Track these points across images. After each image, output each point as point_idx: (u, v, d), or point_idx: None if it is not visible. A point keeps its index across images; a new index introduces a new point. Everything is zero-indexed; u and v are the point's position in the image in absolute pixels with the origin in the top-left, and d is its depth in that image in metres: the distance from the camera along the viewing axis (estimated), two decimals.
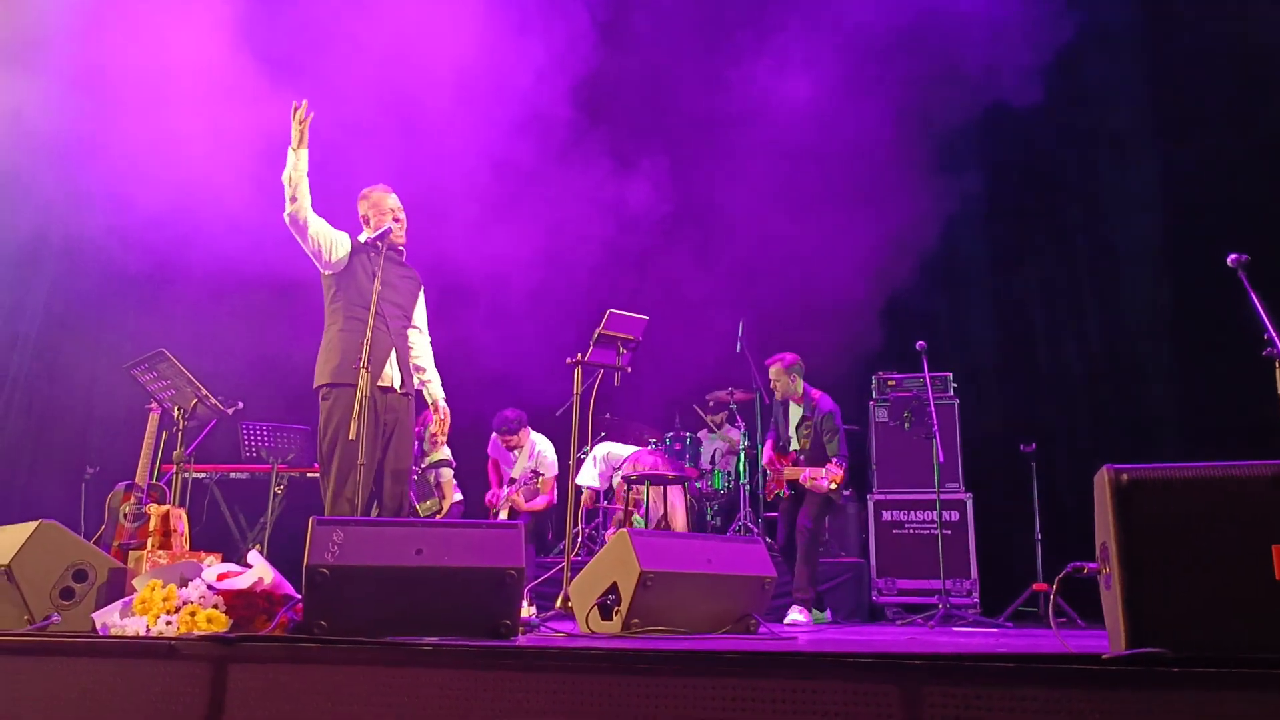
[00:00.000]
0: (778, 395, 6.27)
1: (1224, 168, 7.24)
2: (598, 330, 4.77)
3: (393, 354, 4.44)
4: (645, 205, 8.13)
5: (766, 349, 7.79)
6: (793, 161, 8.07)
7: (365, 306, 4.31)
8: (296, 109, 4.28)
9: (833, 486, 5.80)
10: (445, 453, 7.39)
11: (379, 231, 4.47)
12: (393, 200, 4.64)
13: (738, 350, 7.62)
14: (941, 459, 5.87)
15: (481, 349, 7.78)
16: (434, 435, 5.39)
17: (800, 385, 6.22)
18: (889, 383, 7.38)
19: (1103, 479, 2.54)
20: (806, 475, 5.93)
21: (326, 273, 4.49)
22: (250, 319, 7.53)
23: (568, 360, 4.78)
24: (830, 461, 5.90)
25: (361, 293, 4.40)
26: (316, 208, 4.44)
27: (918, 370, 6.43)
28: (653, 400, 7.04)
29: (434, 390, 4.73)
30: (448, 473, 7.26)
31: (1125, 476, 2.48)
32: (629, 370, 4.95)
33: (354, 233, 4.60)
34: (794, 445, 6.23)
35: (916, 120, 7.87)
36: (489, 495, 7.41)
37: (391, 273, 4.46)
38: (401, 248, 4.61)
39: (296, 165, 4.29)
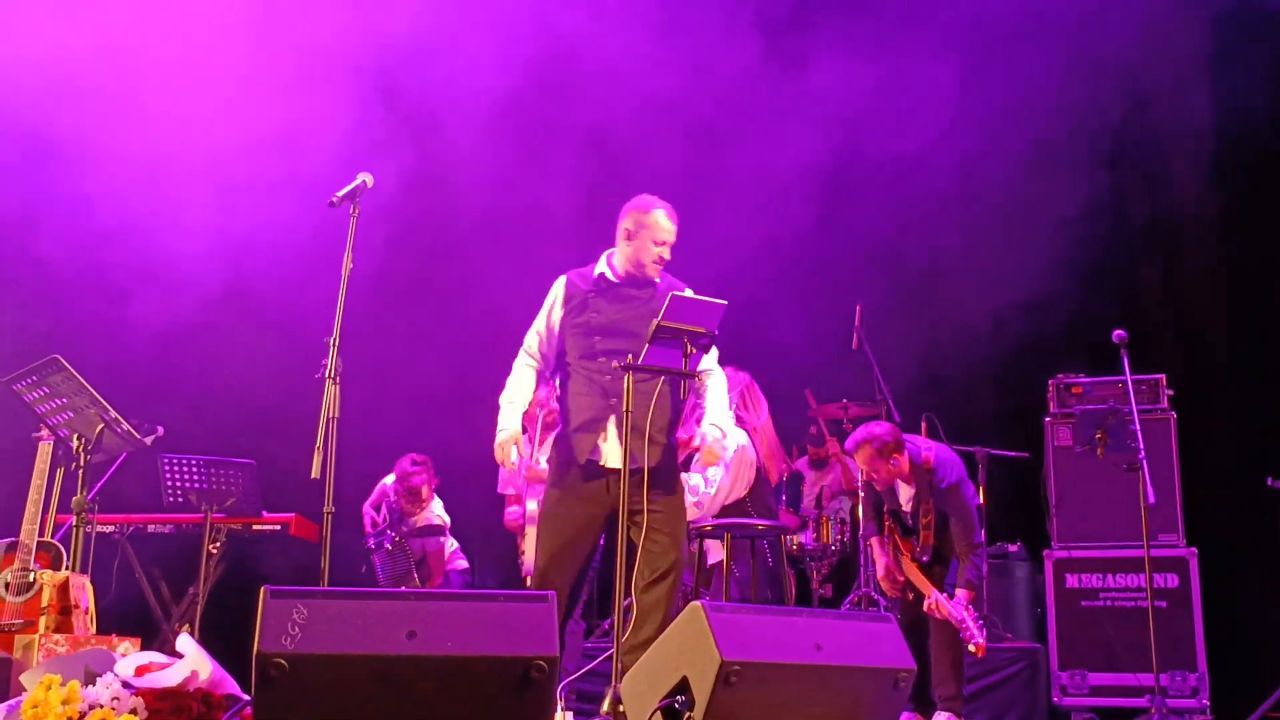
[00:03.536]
0: (878, 485, 6.20)
1: None
2: (655, 321, 4.80)
3: None
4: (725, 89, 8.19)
5: (895, 339, 7.84)
6: (935, 85, 8.08)
7: None
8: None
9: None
10: (436, 512, 7.51)
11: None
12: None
13: (854, 346, 7.61)
14: (1152, 499, 5.79)
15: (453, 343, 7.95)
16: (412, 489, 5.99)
17: (904, 461, 6.05)
18: (1073, 390, 7.31)
19: None
20: (932, 603, 5.90)
21: None
22: (177, 319, 7.74)
23: (615, 364, 4.82)
24: (960, 588, 5.85)
25: None
26: None
27: (1116, 372, 6.34)
28: None
29: None
30: (441, 544, 7.42)
31: None
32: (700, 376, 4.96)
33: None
34: (914, 526, 6.17)
35: (1110, 30, 7.85)
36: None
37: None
38: None
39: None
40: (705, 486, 6.29)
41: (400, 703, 3.30)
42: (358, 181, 4.96)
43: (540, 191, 8.18)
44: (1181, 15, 7.93)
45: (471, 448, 7.62)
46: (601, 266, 5.27)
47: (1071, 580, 7.00)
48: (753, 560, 6.21)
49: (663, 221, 5.18)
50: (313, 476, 4.45)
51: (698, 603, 3.92)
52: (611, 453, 5.04)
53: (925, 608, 5.93)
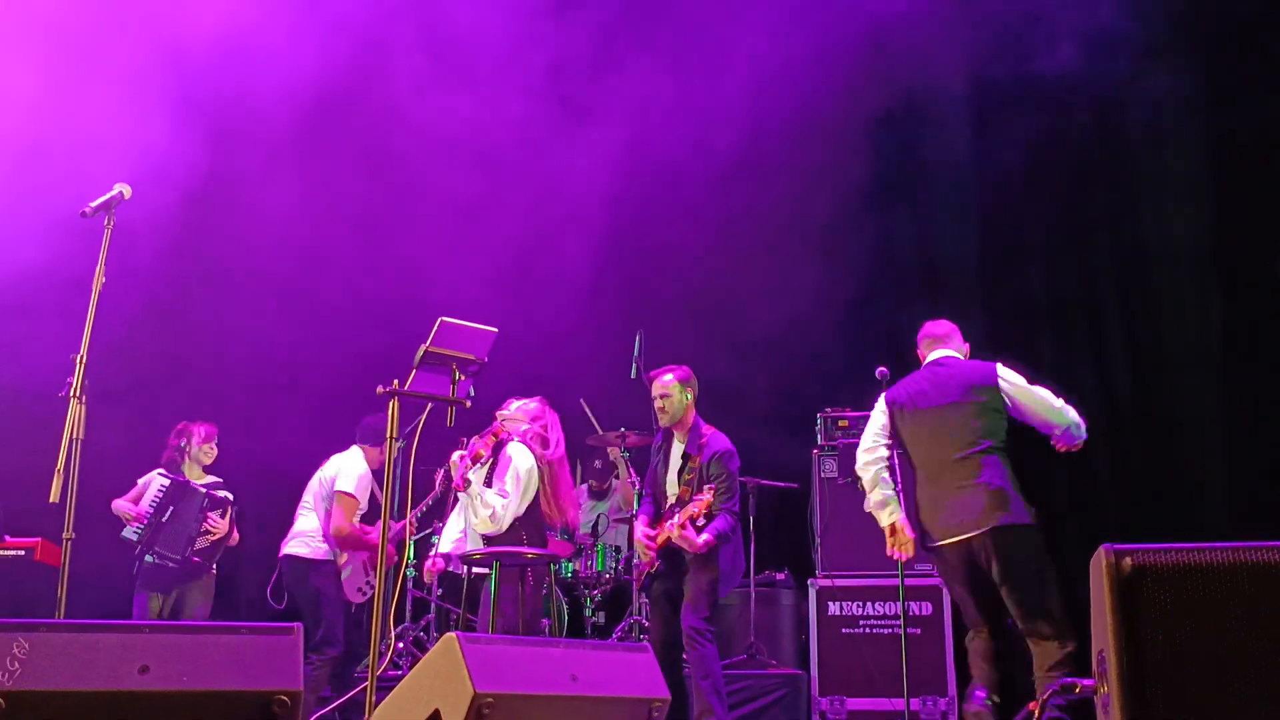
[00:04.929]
0: (665, 419, 6.39)
1: None
2: (424, 346, 4.75)
3: None
4: (503, 142, 8.17)
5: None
6: (725, 111, 8.25)
7: None
8: None
9: (700, 522, 5.91)
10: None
11: None
12: None
13: (633, 375, 7.66)
14: (910, 531, 5.98)
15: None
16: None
17: (691, 411, 6.39)
18: (840, 424, 7.50)
19: (1099, 564, 2.63)
20: (673, 523, 6.01)
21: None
22: None
23: (380, 389, 4.74)
24: (706, 534, 5.99)
25: None
26: None
27: None
28: None
29: None
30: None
31: (1129, 561, 2.59)
32: (469, 404, 4.93)
33: None
34: (671, 492, 6.31)
35: (888, 83, 8.15)
36: None
37: None
38: None
39: None
40: (502, 502, 6.13)
41: None
42: (114, 192, 4.75)
43: (322, 217, 7.99)
44: (948, 71, 8.33)
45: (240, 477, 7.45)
46: None
47: (833, 608, 7.15)
48: (521, 588, 6.15)
49: None
50: (51, 500, 4.24)
51: (452, 634, 3.87)
52: None
53: (666, 527, 6.04)
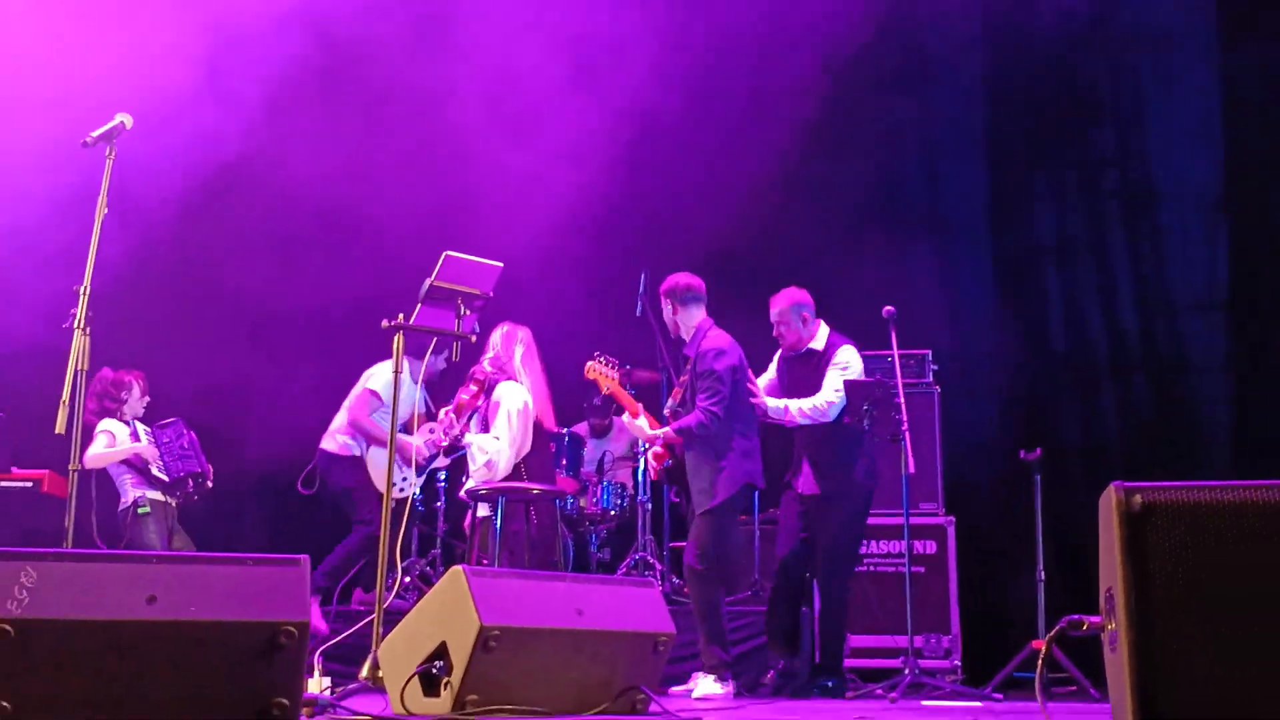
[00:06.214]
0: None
1: None
2: (428, 281, 4.73)
3: None
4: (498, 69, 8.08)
5: None
6: (721, 55, 8.16)
7: None
8: None
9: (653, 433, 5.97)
10: None
11: None
12: None
13: (638, 313, 7.63)
14: (912, 469, 5.98)
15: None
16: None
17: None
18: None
19: (1109, 501, 2.62)
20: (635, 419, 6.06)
21: None
22: None
23: (385, 322, 4.72)
24: (671, 426, 5.94)
25: None
26: None
27: (884, 347, 6.49)
28: None
29: None
30: None
31: (1139, 498, 2.57)
32: (474, 339, 4.93)
33: None
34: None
35: (895, 14, 8.07)
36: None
37: None
38: None
39: None
40: (496, 446, 6.14)
41: (140, 671, 3.16)
42: (115, 122, 4.71)
43: (332, 160, 7.89)
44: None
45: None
46: None
47: None
48: (527, 524, 6.17)
49: None
50: (57, 431, 4.25)
51: (459, 567, 3.89)
52: None
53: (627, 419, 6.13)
